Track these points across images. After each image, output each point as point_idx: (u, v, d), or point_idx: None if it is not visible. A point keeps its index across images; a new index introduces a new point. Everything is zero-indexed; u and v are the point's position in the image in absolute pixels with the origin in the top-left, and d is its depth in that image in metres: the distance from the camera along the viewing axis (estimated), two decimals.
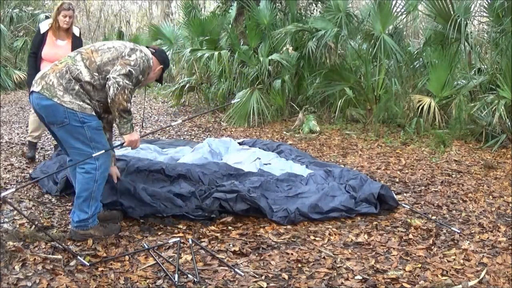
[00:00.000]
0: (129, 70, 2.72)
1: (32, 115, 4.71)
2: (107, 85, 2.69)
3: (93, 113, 2.78)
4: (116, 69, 2.70)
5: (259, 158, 4.36)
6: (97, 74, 2.74)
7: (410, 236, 3.08)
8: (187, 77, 9.46)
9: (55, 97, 2.67)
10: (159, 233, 3.07)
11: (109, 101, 2.71)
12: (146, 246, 2.81)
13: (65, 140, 2.78)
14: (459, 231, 3.16)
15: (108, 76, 2.70)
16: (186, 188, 3.45)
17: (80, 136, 2.72)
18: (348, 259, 2.73)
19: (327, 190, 3.55)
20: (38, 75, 2.82)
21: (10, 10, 12.59)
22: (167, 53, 9.25)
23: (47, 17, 12.38)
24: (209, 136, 6.58)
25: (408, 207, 3.62)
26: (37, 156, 4.94)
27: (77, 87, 2.72)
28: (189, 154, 4.44)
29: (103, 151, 2.73)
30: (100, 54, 2.78)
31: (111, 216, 3.15)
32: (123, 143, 2.92)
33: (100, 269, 2.52)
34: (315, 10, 9.30)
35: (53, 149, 5.02)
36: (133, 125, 2.86)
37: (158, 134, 6.45)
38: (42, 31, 4.39)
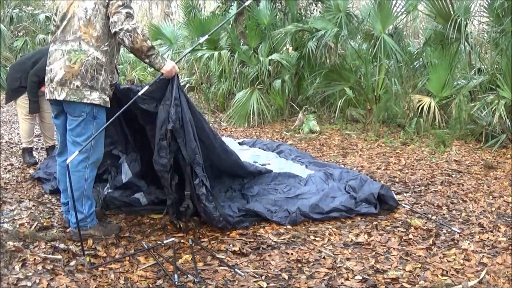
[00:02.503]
0: (126, 12, 2.65)
1: (23, 123, 4.68)
2: (118, 40, 2.69)
3: (109, 105, 2.83)
4: (115, 21, 2.63)
5: (256, 162, 4.34)
6: (107, 43, 2.73)
7: (410, 236, 3.08)
8: (187, 77, 9.46)
9: (84, 99, 2.70)
10: (159, 233, 3.07)
11: (129, 51, 2.71)
12: (146, 246, 2.81)
13: (73, 131, 2.77)
14: (459, 231, 3.16)
15: (114, 31, 2.66)
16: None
17: (88, 132, 2.76)
18: (348, 259, 2.73)
19: (327, 191, 3.55)
20: (53, 81, 2.74)
21: (10, 10, 12.58)
22: (167, 53, 9.35)
23: (47, 18, 12.42)
24: None
25: (408, 207, 3.62)
26: (37, 157, 4.94)
27: (101, 77, 2.73)
28: None
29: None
30: (93, 22, 2.70)
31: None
32: (161, 75, 2.89)
33: (100, 269, 2.52)
34: (315, 10, 9.30)
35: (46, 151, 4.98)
36: (162, 55, 2.85)
37: None
38: None
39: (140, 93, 2.86)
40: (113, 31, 2.66)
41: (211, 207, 3.01)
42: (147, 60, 2.76)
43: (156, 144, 2.95)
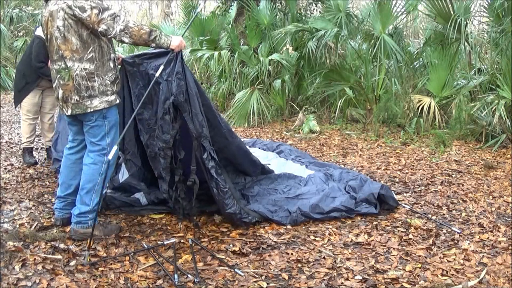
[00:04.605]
0: (109, 15, 2.66)
1: (24, 123, 4.68)
2: (117, 41, 2.76)
3: (118, 100, 2.89)
4: (105, 29, 2.66)
5: None
6: (90, 50, 2.75)
7: (410, 236, 3.08)
8: None
9: (87, 108, 2.79)
10: (159, 233, 3.07)
11: (134, 45, 2.80)
12: (146, 246, 2.81)
13: (88, 133, 2.87)
14: (459, 231, 3.16)
15: (110, 38, 2.72)
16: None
17: (102, 131, 2.84)
18: (348, 259, 2.73)
19: (328, 191, 3.55)
20: (59, 99, 2.86)
21: (10, 10, 12.60)
22: None
23: None
24: None
25: (408, 207, 3.62)
26: (37, 157, 4.94)
27: (96, 84, 2.77)
28: None
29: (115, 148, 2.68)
30: (68, 38, 2.71)
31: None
32: (172, 52, 2.92)
33: (100, 269, 2.52)
34: (315, 10, 9.30)
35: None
36: (165, 34, 2.87)
37: None
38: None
39: (157, 74, 2.90)
40: (108, 37, 2.72)
41: (221, 180, 3.03)
42: (153, 45, 2.80)
43: (159, 119, 3.00)
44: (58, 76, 2.80)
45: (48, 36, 2.81)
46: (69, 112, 2.83)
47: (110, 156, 2.63)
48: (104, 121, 2.83)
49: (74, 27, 2.70)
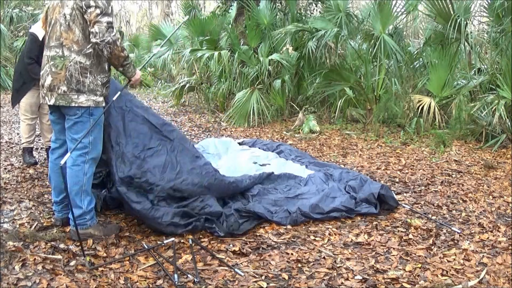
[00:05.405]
0: (107, 22, 2.66)
1: (23, 123, 4.68)
2: (97, 49, 2.71)
3: (104, 103, 2.87)
4: (96, 31, 2.64)
5: (255, 163, 4.34)
6: (90, 46, 2.73)
7: (410, 236, 3.08)
8: (187, 77, 9.47)
9: (72, 102, 2.75)
10: (159, 233, 3.07)
11: (106, 60, 2.79)
12: (146, 246, 2.81)
13: (71, 129, 2.82)
14: (459, 231, 3.16)
15: (94, 42, 2.67)
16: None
17: (85, 129, 2.80)
18: (348, 259, 2.74)
19: (328, 191, 3.56)
20: (44, 87, 2.82)
21: (10, 10, 12.59)
22: (167, 53, 9.33)
23: None
24: (209, 136, 6.58)
25: (408, 207, 3.62)
26: (37, 157, 4.94)
27: (87, 80, 2.76)
28: None
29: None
30: (72, 28, 2.72)
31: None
32: (129, 82, 3.02)
33: (100, 269, 2.52)
34: (315, 10, 9.31)
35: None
36: (134, 64, 2.92)
37: None
38: (40, 38, 4.13)
39: (114, 98, 2.94)
40: (93, 40, 2.67)
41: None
42: (121, 69, 2.85)
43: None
44: (52, 63, 2.75)
45: (52, 21, 2.79)
46: (51, 102, 2.77)
47: (62, 161, 2.61)
48: (89, 118, 2.80)
49: (80, 19, 2.70)
